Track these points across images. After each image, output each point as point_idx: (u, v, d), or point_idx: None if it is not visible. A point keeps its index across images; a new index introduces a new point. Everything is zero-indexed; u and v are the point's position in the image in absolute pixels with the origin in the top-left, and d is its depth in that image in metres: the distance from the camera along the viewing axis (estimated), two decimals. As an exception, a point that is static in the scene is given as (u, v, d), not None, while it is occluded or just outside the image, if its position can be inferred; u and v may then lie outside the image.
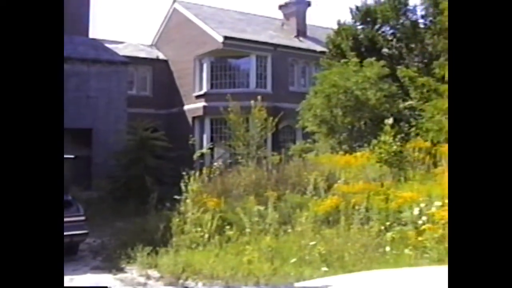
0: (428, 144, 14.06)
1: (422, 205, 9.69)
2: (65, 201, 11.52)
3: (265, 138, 18.42)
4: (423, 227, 9.09)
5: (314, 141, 20.30)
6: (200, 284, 9.60)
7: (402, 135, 14.66)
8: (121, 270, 10.97)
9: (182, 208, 12.71)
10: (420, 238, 8.97)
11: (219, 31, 28.29)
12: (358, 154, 15.18)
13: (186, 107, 29.94)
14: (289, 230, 11.09)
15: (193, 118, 29.39)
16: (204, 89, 29.05)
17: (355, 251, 9.34)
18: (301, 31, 32.62)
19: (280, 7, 34.24)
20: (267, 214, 11.67)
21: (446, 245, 8.39)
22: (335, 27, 26.16)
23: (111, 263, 11.48)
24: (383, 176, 12.95)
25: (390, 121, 14.38)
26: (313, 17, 42.62)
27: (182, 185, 13.16)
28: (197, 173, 13.78)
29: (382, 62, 19.93)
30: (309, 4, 33.85)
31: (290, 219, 11.60)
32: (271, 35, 30.89)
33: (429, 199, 9.95)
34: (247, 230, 11.34)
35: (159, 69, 31.57)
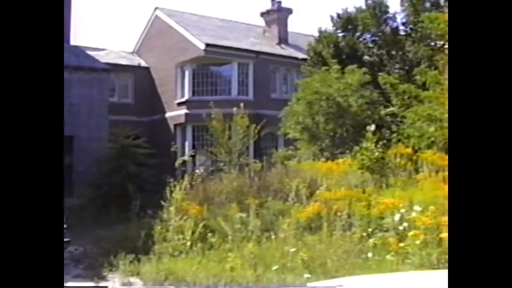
0: (409, 150, 14.11)
1: (403, 210, 9.74)
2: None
3: (247, 145, 18.44)
4: (406, 233, 9.13)
5: (296, 148, 20.31)
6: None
7: (384, 141, 14.71)
8: (103, 278, 10.90)
9: (164, 216, 12.67)
10: (402, 244, 9.00)
11: (201, 38, 28.29)
12: (340, 161, 15.20)
13: (168, 115, 29.88)
14: (272, 237, 11.08)
15: (175, 125, 29.33)
16: (186, 96, 29.01)
17: (338, 257, 9.36)
18: (283, 38, 32.69)
19: (262, 14, 34.30)
20: (249, 221, 11.67)
21: (428, 250, 8.45)
22: (316, 34, 26.24)
23: (93, 271, 11.41)
24: (365, 183, 12.98)
25: (372, 127, 14.45)
26: (294, 24, 42.85)
27: (164, 192, 13.13)
28: (179, 181, 13.75)
29: (363, 69, 20.02)
30: (290, 12, 33.93)
31: (272, 226, 11.59)
32: (253, 42, 30.93)
33: (410, 205, 9.99)
34: (230, 237, 11.33)
35: (141, 76, 31.47)
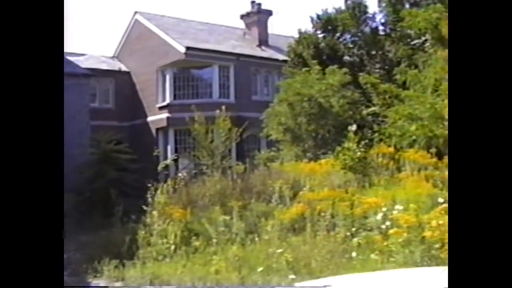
0: (391, 149, 14.19)
1: (386, 209, 9.78)
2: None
3: (230, 148, 18.44)
4: (389, 231, 9.16)
5: (279, 150, 20.33)
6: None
7: (366, 141, 14.76)
8: (87, 284, 10.85)
9: (148, 220, 12.64)
10: (385, 243, 9.03)
11: (181, 41, 28.22)
12: (323, 161, 15.25)
13: (149, 119, 29.76)
14: (256, 239, 11.09)
15: (157, 129, 29.21)
16: (167, 100, 28.91)
17: (322, 258, 9.38)
18: (263, 40, 32.69)
19: (242, 16, 34.26)
20: (233, 224, 11.67)
21: (411, 248, 8.49)
22: (297, 35, 26.28)
23: (77, 278, 11.34)
24: (348, 183, 13.03)
25: (353, 127, 14.51)
26: (274, 26, 42.91)
27: (148, 197, 13.10)
28: (163, 185, 13.72)
29: (344, 70, 20.10)
30: (270, 13, 33.91)
31: (256, 228, 11.60)
32: (233, 45, 30.90)
33: (393, 203, 10.04)
34: (214, 240, 11.32)
35: (122, 81, 31.31)
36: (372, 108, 18.71)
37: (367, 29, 24.65)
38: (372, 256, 9.01)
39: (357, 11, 24.61)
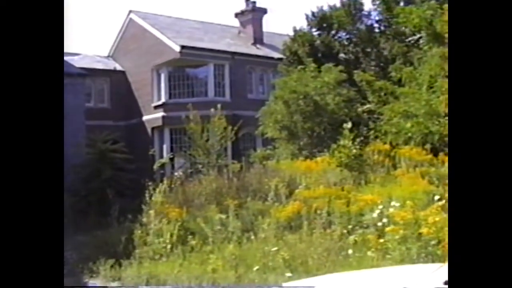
0: (387, 146, 14.19)
1: (382, 206, 9.79)
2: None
3: (225, 147, 18.44)
4: (385, 229, 9.17)
5: (275, 148, 20.32)
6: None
7: (362, 138, 14.76)
8: (84, 284, 10.84)
9: (144, 220, 12.63)
10: (382, 240, 9.04)
11: (176, 40, 28.18)
12: (319, 159, 15.23)
13: (145, 118, 29.72)
14: (252, 237, 11.08)
15: (152, 128, 29.18)
16: (163, 99, 28.88)
17: (318, 255, 9.37)
18: (258, 39, 32.64)
19: (237, 15, 34.20)
20: (229, 222, 11.66)
21: (408, 245, 8.49)
22: (292, 33, 26.27)
23: (73, 278, 11.31)
24: (344, 180, 13.02)
25: (348, 125, 14.48)
26: (269, 24, 42.88)
27: (144, 196, 13.08)
28: (159, 184, 13.71)
29: (339, 67, 20.10)
30: (265, 11, 33.89)
31: (252, 226, 11.59)
32: (228, 43, 30.88)
33: (389, 201, 10.04)
34: (210, 239, 11.32)
35: (117, 80, 31.24)
36: (368, 106, 18.70)
37: (362, 27, 24.64)
38: (369, 253, 9.01)
39: (352, 9, 24.60)
